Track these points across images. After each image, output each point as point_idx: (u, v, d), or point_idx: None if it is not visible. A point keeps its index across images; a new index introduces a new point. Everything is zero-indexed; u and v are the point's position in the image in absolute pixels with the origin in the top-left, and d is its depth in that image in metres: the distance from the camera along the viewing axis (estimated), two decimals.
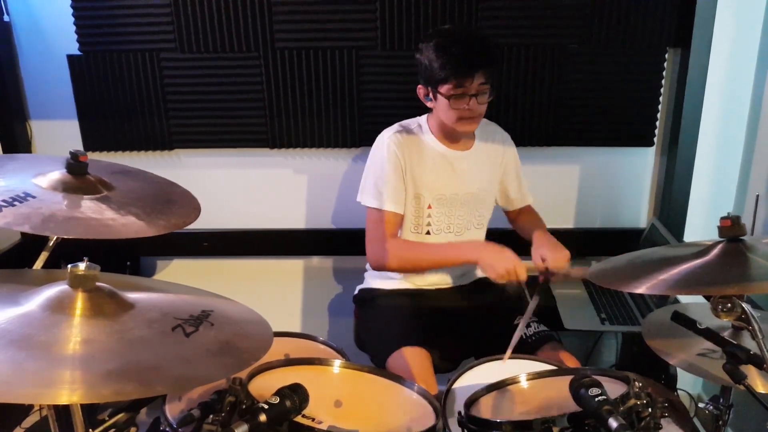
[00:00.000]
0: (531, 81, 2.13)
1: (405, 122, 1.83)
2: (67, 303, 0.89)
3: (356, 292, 1.99)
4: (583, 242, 2.31)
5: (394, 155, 1.73)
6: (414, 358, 1.58)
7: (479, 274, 1.92)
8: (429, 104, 1.73)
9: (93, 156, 1.72)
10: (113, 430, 1.04)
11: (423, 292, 1.86)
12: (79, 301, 0.90)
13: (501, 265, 1.59)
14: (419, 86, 1.73)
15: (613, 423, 0.88)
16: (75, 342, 0.83)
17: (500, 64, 2.08)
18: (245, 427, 0.89)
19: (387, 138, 1.75)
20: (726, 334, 1.18)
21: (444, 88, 1.64)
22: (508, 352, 1.43)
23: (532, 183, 2.00)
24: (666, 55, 2.13)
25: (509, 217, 2.03)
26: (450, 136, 1.78)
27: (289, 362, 1.27)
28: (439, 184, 1.78)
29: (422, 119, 1.82)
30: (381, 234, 1.74)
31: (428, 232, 1.81)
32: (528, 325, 1.71)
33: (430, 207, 1.79)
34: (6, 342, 0.80)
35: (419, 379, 1.50)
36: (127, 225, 1.10)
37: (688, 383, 2.01)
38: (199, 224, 1.26)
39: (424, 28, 2.06)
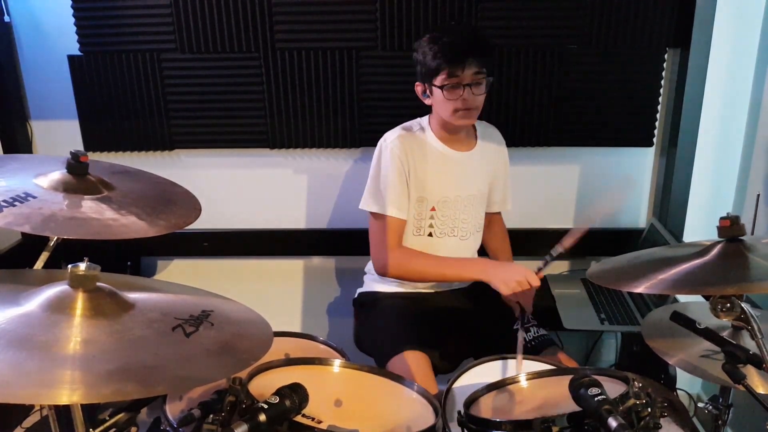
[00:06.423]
0: (531, 81, 2.13)
1: (407, 124, 1.81)
2: (67, 303, 0.89)
3: (356, 295, 1.97)
4: (582, 242, 2.31)
5: (397, 159, 1.70)
6: (414, 361, 1.58)
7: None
8: (427, 101, 1.73)
9: (93, 156, 1.73)
10: (114, 429, 1.04)
11: (422, 295, 1.85)
12: (80, 301, 0.90)
13: (513, 278, 1.56)
14: (417, 84, 1.73)
15: (612, 422, 0.88)
16: (75, 342, 0.83)
17: (494, 54, 2.02)
18: (245, 426, 0.89)
19: (390, 141, 1.73)
20: (725, 334, 1.18)
21: (438, 79, 1.64)
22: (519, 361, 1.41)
23: (532, 183, 1.99)
24: (665, 56, 2.13)
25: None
26: (452, 135, 1.77)
27: (289, 362, 1.27)
28: (442, 187, 1.77)
29: (423, 120, 1.81)
30: (385, 241, 1.71)
31: (430, 234, 1.80)
32: (527, 330, 1.70)
33: (433, 209, 1.78)
34: (6, 342, 0.81)
35: (420, 382, 1.49)
36: (128, 225, 1.10)
37: (687, 383, 2.01)
38: (200, 224, 1.26)
39: (424, 28, 2.06)
